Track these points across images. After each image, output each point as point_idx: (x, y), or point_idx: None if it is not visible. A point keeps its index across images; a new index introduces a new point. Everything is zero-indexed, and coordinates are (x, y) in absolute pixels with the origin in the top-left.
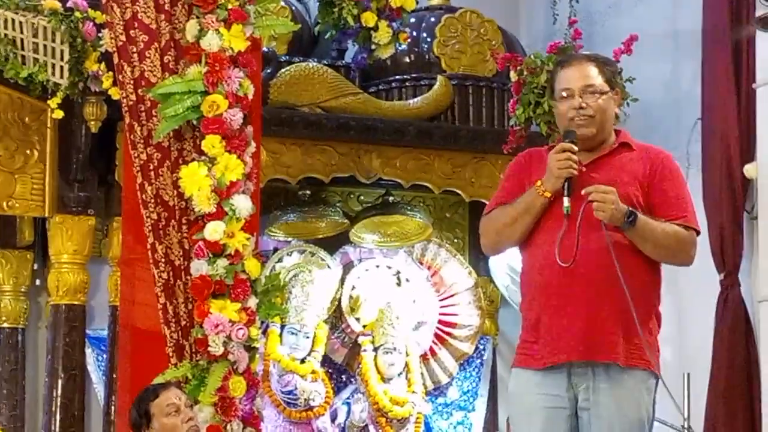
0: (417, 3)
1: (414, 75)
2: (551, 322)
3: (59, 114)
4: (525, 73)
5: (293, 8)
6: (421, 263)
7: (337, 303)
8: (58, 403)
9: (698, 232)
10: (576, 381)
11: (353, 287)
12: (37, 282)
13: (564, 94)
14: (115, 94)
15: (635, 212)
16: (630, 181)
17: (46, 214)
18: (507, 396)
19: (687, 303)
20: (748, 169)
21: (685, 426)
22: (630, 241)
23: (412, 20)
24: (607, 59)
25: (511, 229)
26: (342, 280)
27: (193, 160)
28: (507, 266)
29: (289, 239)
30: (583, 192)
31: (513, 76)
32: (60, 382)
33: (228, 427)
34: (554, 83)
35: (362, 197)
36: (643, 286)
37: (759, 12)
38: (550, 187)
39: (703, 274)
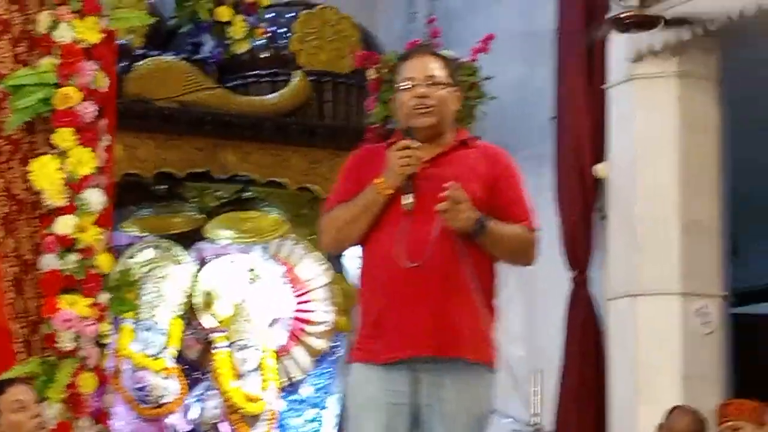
0: None
1: (271, 70)
2: (396, 318)
3: None
4: (383, 70)
5: (149, 1)
6: (277, 260)
7: (191, 299)
8: None
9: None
10: (420, 376)
11: (208, 283)
12: None
13: (407, 84)
14: None
15: (484, 220)
16: (473, 178)
17: None
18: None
19: (538, 300)
20: (599, 169)
21: (535, 423)
22: (468, 241)
23: (270, 16)
24: (450, 57)
25: (352, 227)
26: (196, 276)
27: (44, 153)
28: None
29: (144, 234)
30: (437, 207)
31: (371, 73)
32: None
33: (77, 423)
34: (397, 77)
35: (218, 193)
36: (484, 283)
37: (612, 13)
38: (391, 184)
39: (554, 272)
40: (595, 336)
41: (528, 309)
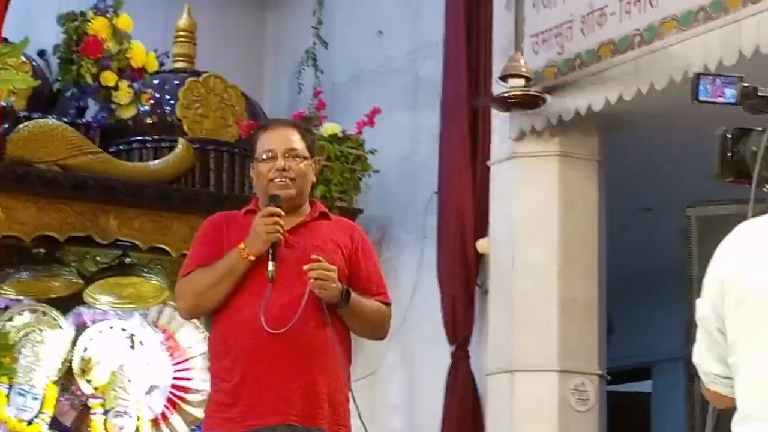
0: (161, 65)
1: (155, 137)
2: (258, 386)
3: None
4: None
5: (34, 63)
6: (156, 326)
7: (68, 364)
8: None
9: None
10: None
11: (85, 349)
12: None
13: (266, 155)
14: None
15: (349, 290)
16: (334, 249)
17: None
18: None
19: (418, 373)
20: (481, 244)
21: None
22: (331, 311)
23: (156, 82)
24: (308, 128)
25: (212, 292)
26: (74, 341)
27: None
28: None
29: (21, 298)
30: (305, 267)
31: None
32: None
33: None
34: (255, 146)
35: (98, 257)
36: (346, 352)
37: (495, 91)
38: (255, 250)
39: (435, 345)
40: (473, 410)
41: (408, 381)
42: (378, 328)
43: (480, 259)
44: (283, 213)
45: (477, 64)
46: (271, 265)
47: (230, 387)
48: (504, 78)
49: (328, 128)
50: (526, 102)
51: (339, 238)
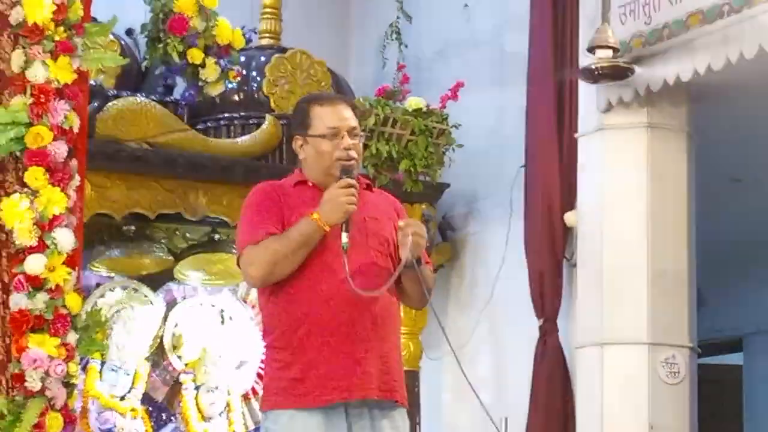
0: (248, 42)
1: (243, 114)
2: (336, 359)
3: None
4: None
5: (122, 42)
6: (246, 302)
7: (159, 340)
8: None
9: None
10: (351, 420)
11: (176, 325)
12: None
13: (329, 131)
14: None
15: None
16: (387, 219)
17: None
18: None
19: (507, 347)
20: (569, 217)
21: None
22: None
23: (242, 59)
24: (354, 104)
25: (288, 261)
26: (165, 318)
27: (15, 192)
28: None
29: (112, 275)
30: (401, 224)
31: None
32: None
33: None
34: (307, 120)
35: (188, 234)
36: (400, 323)
37: (582, 63)
38: (333, 221)
39: (523, 319)
40: (562, 384)
41: (496, 356)
42: (430, 294)
43: (567, 232)
44: (358, 186)
45: (563, 36)
46: (345, 237)
47: (301, 361)
48: (591, 49)
49: (412, 102)
50: (615, 73)
51: (387, 209)
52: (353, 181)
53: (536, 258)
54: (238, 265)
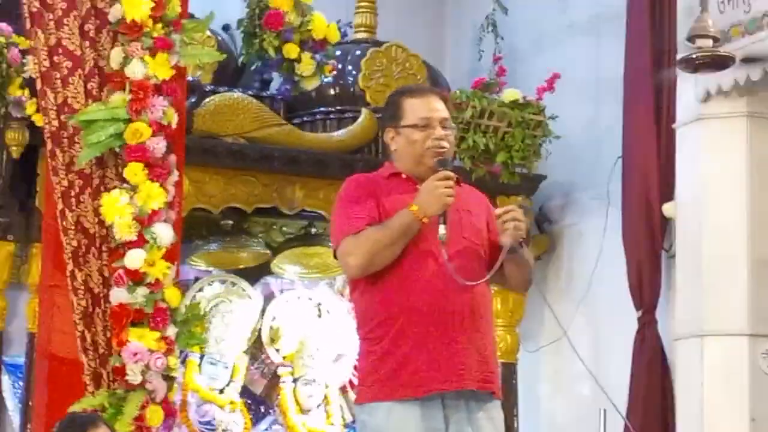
0: (343, 36)
1: (338, 108)
2: (435, 350)
3: None
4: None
5: (219, 38)
6: (342, 295)
7: (257, 334)
8: None
9: None
10: (448, 412)
11: (274, 318)
12: None
13: (421, 122)
14: (38, 120)
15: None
16: (478, 212)
17: None
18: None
19: (605, 339)
20: (667, 208)
21: None
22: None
23: (338, 53)
24: (447, 96)
25: (388, 251)
26: (263, 311)
27: (114, 187)
28: None
29: (211, 269)
30: (498, 211)
31: None
32: None
33: None
34: (399, 111)
35: (285, 228)
36: (492, 314)
37: (681, 53)
38: (431, 212)
39: (622, 310)
40: (661, 376)
41: (594, 347)
42: (530, 279)
43: (666, 223)
44: (455, 177)
45: (661, 25)
46: (443, 228)
47: (399, 352)
48: (691, 39)
49: (508, 94)
50: (715, 63)
51: (478, 201)
52: (451, 173)
53: (634, 249)
54: (335, 256)
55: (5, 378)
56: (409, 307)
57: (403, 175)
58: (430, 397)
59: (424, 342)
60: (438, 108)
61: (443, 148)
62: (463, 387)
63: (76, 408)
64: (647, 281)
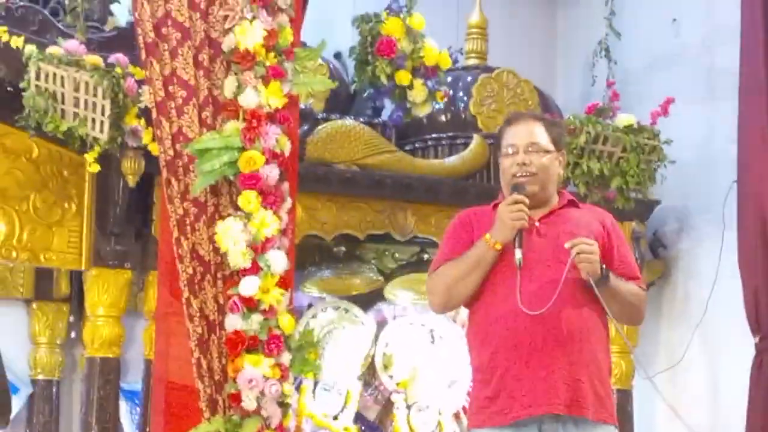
0: (454, 62)
1: (450, 134)
2: (521, 376)
3: (96, 168)
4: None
5: (331, 66)
6: (455, 321)
7: (370, 360)
8: None
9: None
10: None
11: (387, 344)
12: (73, 334)
13: (509, 150)
14: (154, 149)
15: (608, 270)
16: (587, 234)
17: (83, 267)
18: None
19: (721, 366)
20: None
21: None
22: (586, 296)
23: (449, 79)
24: (554, 121)
25: (462, 284)
26: (376, 337)
27: (229, 215)
28: None
29: (324, 295)
30: (567, 245)
31: None
32: None
33: None
34: (501, 140)
35: (397, 255)
36: (602, 339)
37: None
38: (501, 238)
39: (738, 337)
40: None
41: (711, 374)
42: (636, 312)
43: None
44: (527, 201)
45: None
46: (518, 253)
47: (493, 380)
48: None
49: (623, 120)
50: None
51: (591, 224)
52: (520, 197)
53: (751, 274)
54: None
55: (123, 404)
56: (495, 336)
57: None
58: (525, 423)
59: (512, 369)
60: (529, 133)
61: (527, 173)
62: (549, 411)
63: None
64: (764, 307)
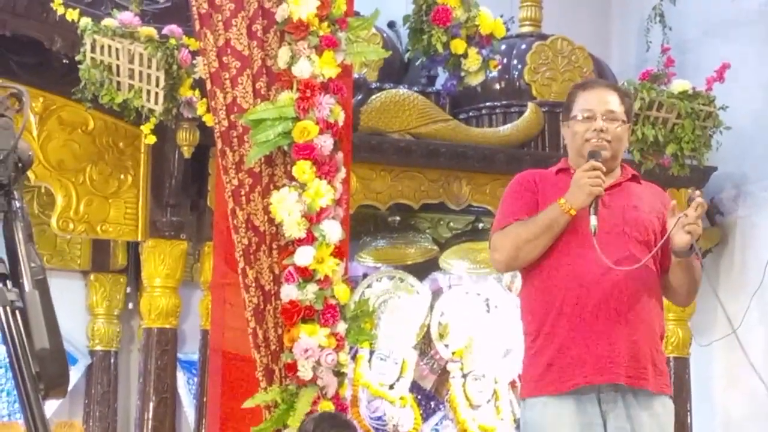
0: (507, 30)
1: (504, 102)
2: (584, 344)
3: (152, 139)
4: None
5: (384, 35)
6: (510, 290)
7: (426, 329)
8: (150, 426)
9: None
10: (605, 408)
11: (442, 314)
12: (130, 305)
13: (585, 114)
14: (209, 120)
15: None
16: (649, 210)
17: (140, 239)
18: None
19: None
20: None
21: None
22: (648, 267)
23: (503, 47)
24: (626, 91)
25: (532, 245)
26: (431, 307)
27: (284, 185)
28: None
29: (379, 265)
30: (689, 212)
31: None
32: (151, 405)
33: None
34: (571, 104)
35: (452, 224)
36: (660, 312)
37: None
38: (578, 204)
39: None
40: None
41: None
42: (695, 291)
43: None
44: (604, 168)
45: None
46: (594, 219)
47: (551, 346)
48: None
49: (677, 86)
50: None
51: (652, 200)
52: (598, 164)
53: None
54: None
55: (180, 374)
56: (561, 301)
57: (571, 170)
58: (584, 391)
59: (575, 335)
60: (604, 100)
61: (602, 140)
62: (611, 380)
63: (249, 404)
64: None
